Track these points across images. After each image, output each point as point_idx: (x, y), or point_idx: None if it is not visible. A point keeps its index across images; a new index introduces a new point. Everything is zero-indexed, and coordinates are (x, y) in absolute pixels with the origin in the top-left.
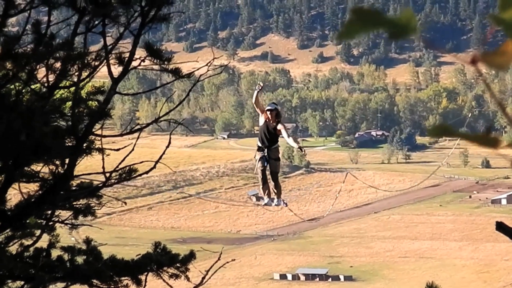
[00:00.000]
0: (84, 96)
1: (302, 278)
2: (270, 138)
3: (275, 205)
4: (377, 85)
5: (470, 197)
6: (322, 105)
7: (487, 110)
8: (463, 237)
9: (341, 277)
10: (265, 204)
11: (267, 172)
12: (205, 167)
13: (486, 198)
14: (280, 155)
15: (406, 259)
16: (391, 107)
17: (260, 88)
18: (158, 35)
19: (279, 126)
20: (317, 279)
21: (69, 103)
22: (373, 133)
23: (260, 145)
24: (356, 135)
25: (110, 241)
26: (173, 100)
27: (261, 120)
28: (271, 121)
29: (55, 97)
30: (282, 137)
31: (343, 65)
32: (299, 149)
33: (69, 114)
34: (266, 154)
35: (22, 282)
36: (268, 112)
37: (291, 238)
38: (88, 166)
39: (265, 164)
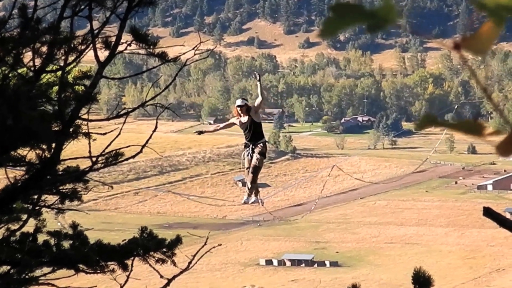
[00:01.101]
0: (71, 81)
1: (288, 263)
2: (252, 133)
3: (252, 202)
4: (364, 70)
5: (456, 183)
6: (308, 90)
7: (473, 100)
8: (449, 223)
9: (327, 263)
10: (244, 202)
11: (248, 165)
12: (191, 152)
13: (472, 184)
14: (266, 151)
15: (392, 245)
16: (377, 92)
17: (199, 133)
18: (144, 20)
19: (251, 113)
20: (303, 264)
21: (55, 88)
22: (359, 118)
23: (246, 142)
24: (342, 120)
25: (96, 226)
26: (159, 85)
27: (236, 121)
28: (243, 116)
29: (41, 82)
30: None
31: (330, 50)
32: (255, 77)
33: (55, 98)
34: (251, 150)
35: (9, 267)
36: (238, 109)
37: (277, 223)
38: (74, 151)
39: (250, 159)
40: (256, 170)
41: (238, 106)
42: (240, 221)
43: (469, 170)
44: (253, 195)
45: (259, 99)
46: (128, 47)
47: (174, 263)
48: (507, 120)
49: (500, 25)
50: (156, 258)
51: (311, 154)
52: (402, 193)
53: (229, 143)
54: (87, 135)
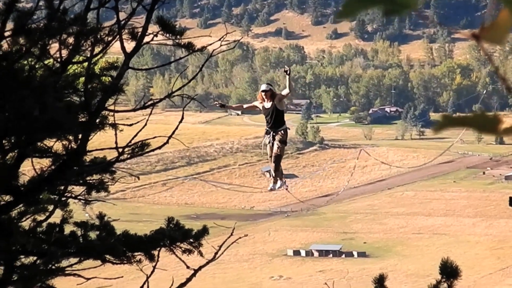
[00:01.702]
0: (98, 72)
1: (316, 254)
2: (274, 120)
3: (278, 188)
4: (391, 61)
5: (483, 173)
6: (336, 81)
7: (501, 87)
8: (476, 214)
9: (355, 254)
10: (270, 189)
11: (270, 152)
12: (219, 143)
13: (500, 174)
14: (287, 139)
15: (420, 235)
16: (405, 83)
17: (220, 105)
18: (172, 11)
19: (276, 100)
20: (331, 255)
21: (82, 79)
22: (387, 109)
23: (267, 128)
24: (370, 111)
25: (124, 217)
26: (187, 76)
27: (259, 105)
28: (267, 101)
29: (68, 73)
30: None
31: (357, 41)
32: (286, 71)
33: (82, 89)
34: (271, 137)
35: (35, 258)
36: (262, 93)
37: (305, 214)
38: (102, 142)
39: (271, 147)
40: (278, 158)
41: (262, 91)
42: (268, 212)
43: (497, 160)
44: (278, 181)
45: (287, 90)
46: (155, 38)
47: (201, 254)
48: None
49: None
50: (183, 249)
51: (339, 145)
52: (429, 184)
53: (257, 134)
54: (114, 126)
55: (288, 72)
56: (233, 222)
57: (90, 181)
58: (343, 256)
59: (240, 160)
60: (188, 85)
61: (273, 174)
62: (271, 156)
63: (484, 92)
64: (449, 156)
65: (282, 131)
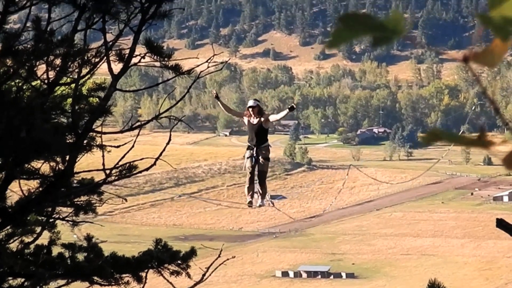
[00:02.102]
0: (85, 93)
1: (304, 275)
2: (258, 136)
3: (259, 205)
4: (379, 82)
5: (472, 194)
6: (324, 102)
7: (488, 108)
8: (465, 234)
9: (343, 275)
10: (248, 203)
11: (256, 172)
12: (207, 164)
13: (488, 195)
14: (270, 155)
15: (408, 256)
16: (393, 104)
17: (215, 94)
18: (160, 32)
19: (263, 118)
20: (319, 276)
21: (70, 100)
22: (375, 130)
23: (249, 144)
24: (358, 132)
25: (112, 239)
26: (174, 97)
27: (245, 120)
28: (253, 118)
29: (55, 94)
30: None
31: (345, 62)
32: (289, 109)
33: (69, 110)
34: (255, 153)
35: (23, 280)
36: (250, 109)
37: (293, 235)
38: (90, 164)
39: (254, 164)
40: (263, 175)
41: (250, 106)
42: (256, 233)
43: (485, 181)
44: (259, 198)
45: (278, 117)
46: (142, 60)
47: (188, 275)
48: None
49: (506, 40)
50: (171, 270)
51: (327, 165)
52: (418, 205)
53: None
54: (101, 147)
55: (291, 109)
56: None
57: (78, 203)
58: (332, 277)
59: (228, 181)
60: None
61: (260, 191)
62: (251, 172)
63: (473, 108)
64: (437, 177)
65: (264, 148)
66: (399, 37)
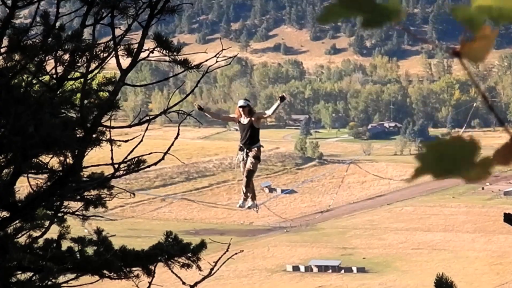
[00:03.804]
0: (95, 87)
1: (315, 269)
2: (249, 136)
3: (248, 207)
4: (390, 76)
5: (482, 188)
6: (335, 96)
7: (499, 102)
8: (476, 229)
9: (354, 269)
10: (239, 206)
11: (243, 169)
12: (218, 158)
13: (499, 190)
14: (260, 156)
15: (419, 251)
16: (403, 98)
17: (198, 107)
18: (170, 27)
19: (254, 118)
20: (330, 270)
21: (79, 95)
22: (386, 124)
23: (240, 145)
24: (369, 126)
25: (123, 233)
26: (185, 92)
27: (235, 118)
28: (244, 117)
29: (65, 89)
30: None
31: (356, 56)
32: (280, 98)
33: (88, 105)
34: (245, 155)
35: (31, 274)
36: (240, 109)
37: (304, 229)
38: (100, 158)
39: (245, 164)
40: (250, 174)
41: (240, 106)
42: (267, 227)
43: (496, 176)
44: (249, 200)
45: (269, 112)
46: (151, 54)
47: (199, 268)
48: (506, 128)
49: (475, 31)
50: (181, 263)
51: (338, 160)
52: (428, 199)
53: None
54: (110, 141)
55: (282, 100)
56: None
57: (88, 197)
58: (342, 271)
59: (239, 176)
60: (186, 100)
61: (244, 190)
62: (243, 172)
63: (475, 104)
64: None
65: (256, 148)
66: (391, 22)
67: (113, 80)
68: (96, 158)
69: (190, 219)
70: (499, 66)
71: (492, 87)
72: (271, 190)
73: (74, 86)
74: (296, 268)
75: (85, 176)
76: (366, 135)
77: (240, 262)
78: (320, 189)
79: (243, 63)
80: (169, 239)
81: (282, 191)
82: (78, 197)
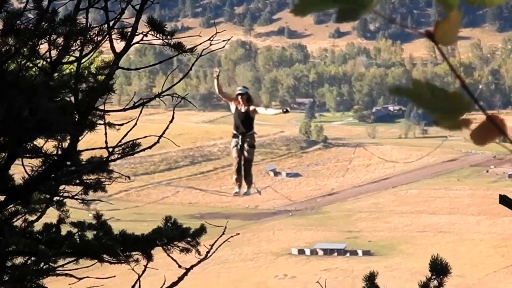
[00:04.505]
0: (94, 71)
1: (320, 253)
2: (244, 125)
3: (244, 194)
4: (394, 60)
5: (487, 171)
6: (339, 80)
7: (503, 85)
8: (480, 212)
9: (359, 252)
10: (235, 193)
11: (237, 156)
12: (222, 142)
13: (504, 172)
14: (255, 143)
15: (424, 233)
16: (408, 82)
17: (218, 74)
18: (174, 11)
19: (251, 108)
20: (335, 254)
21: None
22: (390, 108)
23: (235, 132)
24: (373, 110)
25: (128, 217)
26: (190, 76)
27: (232, 107)
28: (242, 106)
29: (64, 72)
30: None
31: (360, 40)
32: (284, 111)
33: (82, 89)
34: (240, 141)
35: (27, 258)
36: (239, 97)
37: (309, 213)
38: (101, 142)
39: (240, 152)
40: (249, 163)
41: (239, 94)
42: (272, 211)
43: (500, 158)
44: (244, 186)
45: (270, 111)
46: (147, 38)
47: (198, 252)
48: (482, 109)
49: (452, 10)
50: (181, 248)
51: (342, 143)
52: (433, 182)
53: (260, 133)
54: (105, 125)
55: (284, 112)
56: (238, 222)
57: (87, 181)
58: (348, 254)
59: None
60: (191, 84)
61: (244, 179)
62: (238, 162)
63: (480, 86)
64: (452, 155)
65: (250, 136)
66: (367, 11)
67: (111, 64)
68: (101, 142)
69: (195, 203)
70: (502, 49)
71: (496, 70)
72: (276, 173)
73: (72, 70)
74: (301, 252)
75: (84, 160)
76: (371, 119)
77: (245, 246)
78: (325, 173)
79: (247, 47)
80: (168, 224)
81: (287, 174)
82: (78, 181)
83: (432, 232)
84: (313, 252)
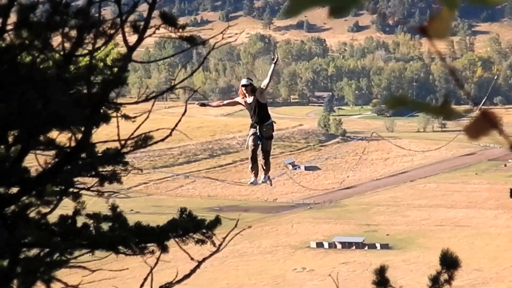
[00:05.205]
0: (110, 63)
1: (339, 246)
2: (258, 114)
3: (262, 182)
4: (413, 54)
5: (505, 165)
6: (358, 74)
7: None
8: (498, 206)
9: (378, 245)
10: (251, 183)
11: (259, 151)
12: (241, 135)
13: None
14: (273, 133)
15: (442, 227)
16: (426, 76)
17: (201, 104)
18: (194, 5)
19: (257, 93)
20: (354, 247)
21: (97, 70)
22: None
23: (252, 123)
24: None
25: (146, 210)
26: (209, 69)
27: (241, 101)
28: (248, 97)
29: (79, 65)
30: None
31: (379, 34)
32: (275, 59)
33: (94, 81)
34: (258, 131)
35: (41, 250)
36: (243, 88)
37: (327, 206)
38: (120, 134)
39: (257, 143)
40: (267, 155)
41: (243, 85)
42: (291, 204)
43: None
44: (261, 176)
45: (266, 80)
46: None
47: (213, 244)
48: (476, 103)
49: (452, 8)
50: (196, 239)
51: (361, 137)
52: (451, 176)
53: (279, 126)
54: (124, 117)
55: (276, 61)
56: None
57: (102, 173)
58: (366, 248)
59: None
60: (210, 77)
61: (264, 168)
62: (253, 150)
63: (495, 77)
64: (470, 148)
65: (268, 126)
66: (355, 6)
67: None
68: (121, 134)
69: (214, 196)
70: None
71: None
72: (295, 166)
73: (88, 63)
74: (320, 245)
75: (99, 152)
76: (389, 112)
77: (264, 239)
78: (343, 166)
79: (266, 40)
80: (183, 215)
81: (306, 167)
82: (93, 172)
83: (449, 226)
84: (332, 246)
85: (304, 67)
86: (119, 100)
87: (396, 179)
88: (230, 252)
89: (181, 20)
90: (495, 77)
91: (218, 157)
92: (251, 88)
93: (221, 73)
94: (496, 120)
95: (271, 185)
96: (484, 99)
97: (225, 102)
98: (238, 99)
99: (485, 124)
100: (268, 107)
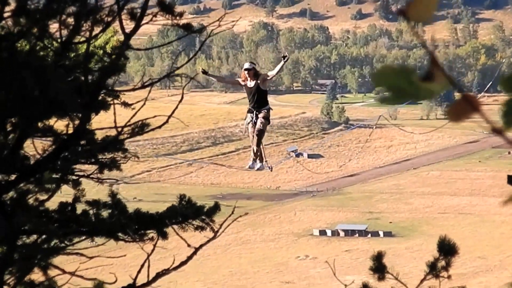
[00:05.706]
0: (109, 51)
1: (342, 234)
2: (257, 99)
3: (257, 169)
4: (416, 41)
5: (509, 153)
6: (361, 61)
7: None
8: (502, 193)
9: (381, 233)
10: (248, 167)
11: (252, 130)
12: (244, 123)
13: None
14: (270, 117)
15: (446, 215)
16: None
17: (202, 71)
18: None
19: (261, 79)
20: (357, 235)
21: (96, 58)
22: None
23: (250, 107)
24: None
25: (149, 198)
26: (212, 57)
27: (241, 82)
28: (250, 81)
29: (79, 52)
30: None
31: (382, 21)
32: (285, 56)
33: (94, 68)
34: (255, 117)
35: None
36: (245, 72)
37: (330, 194)
38: (119, 122)
39: (254, 126)
40: (260, 134)
41: (246, 69)
42: (294, 192)
43: None
44: (258, 161)
45: (273, 72)
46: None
47: (213, 230)
48: (460, 88)
49: None
50: (195, 226)
51: (364, 124)
52: (455, 163)
53: (282, 114)
54: (124, 105)
55: (286, 59)
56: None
57: (102, 160)
58: (369, 235)
59: (265, 140)
60: (213, 65)
61: (254, 150)
62: (253, 135)
63: (501, 65)
64: (474, 136)
65: (265, 110)
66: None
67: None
68: (121, 121)
69: (217, 183)
70: None
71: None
72: (298, 154)
73: (89, 50)
74: (323, 233)
75: (99, 139)
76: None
77: (267, 227)
78: (346, 154)
79: (269, 28)
80: (183, 202)
81: (309, 155)
82: (93, 160)
83: (453, 214)
84: (335, 233)
85: (307, 55)
86: (120, 88)
87: (399, 166)
88: (233, 240)
89: (184, 9)
90: (501, 65)
91: (221, 145)
92: (253, 73)
93: (224, 61)
94: (477, 104)
95: (271, 170)
96: (488, 85)
97: (226, 79)
98: (240, 80)
99: (466, 107)
100: (271, 95)
